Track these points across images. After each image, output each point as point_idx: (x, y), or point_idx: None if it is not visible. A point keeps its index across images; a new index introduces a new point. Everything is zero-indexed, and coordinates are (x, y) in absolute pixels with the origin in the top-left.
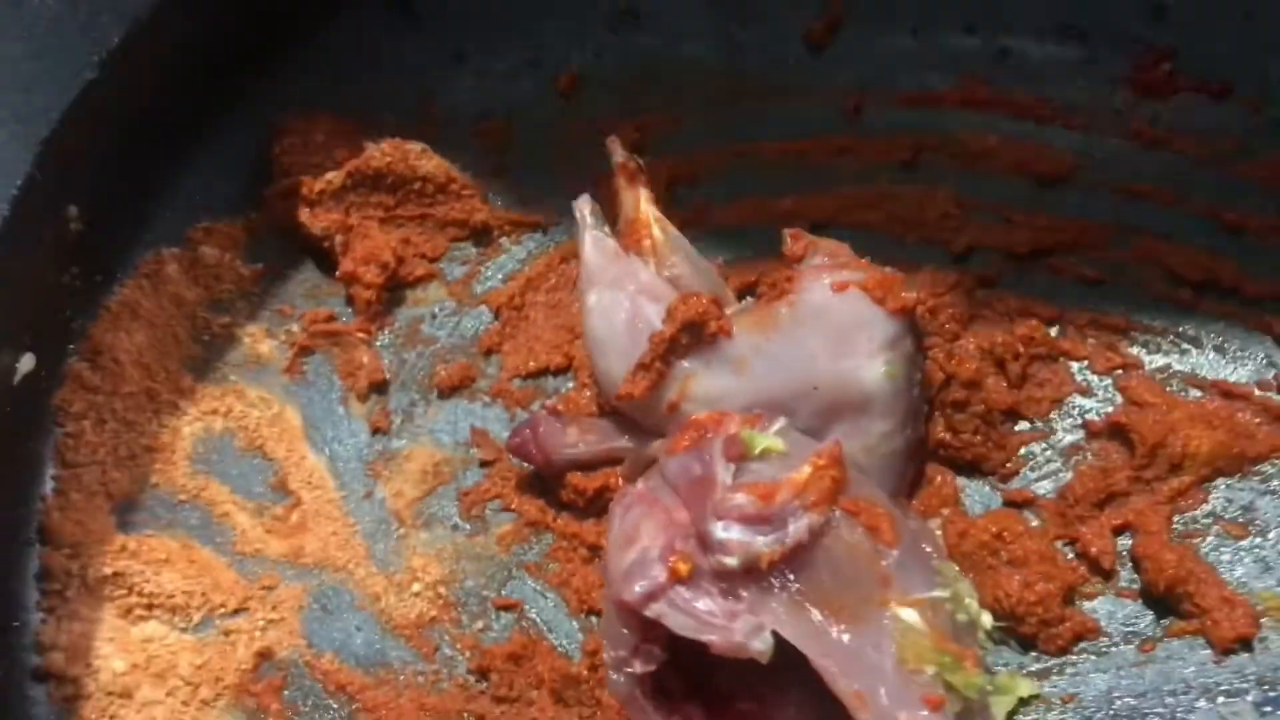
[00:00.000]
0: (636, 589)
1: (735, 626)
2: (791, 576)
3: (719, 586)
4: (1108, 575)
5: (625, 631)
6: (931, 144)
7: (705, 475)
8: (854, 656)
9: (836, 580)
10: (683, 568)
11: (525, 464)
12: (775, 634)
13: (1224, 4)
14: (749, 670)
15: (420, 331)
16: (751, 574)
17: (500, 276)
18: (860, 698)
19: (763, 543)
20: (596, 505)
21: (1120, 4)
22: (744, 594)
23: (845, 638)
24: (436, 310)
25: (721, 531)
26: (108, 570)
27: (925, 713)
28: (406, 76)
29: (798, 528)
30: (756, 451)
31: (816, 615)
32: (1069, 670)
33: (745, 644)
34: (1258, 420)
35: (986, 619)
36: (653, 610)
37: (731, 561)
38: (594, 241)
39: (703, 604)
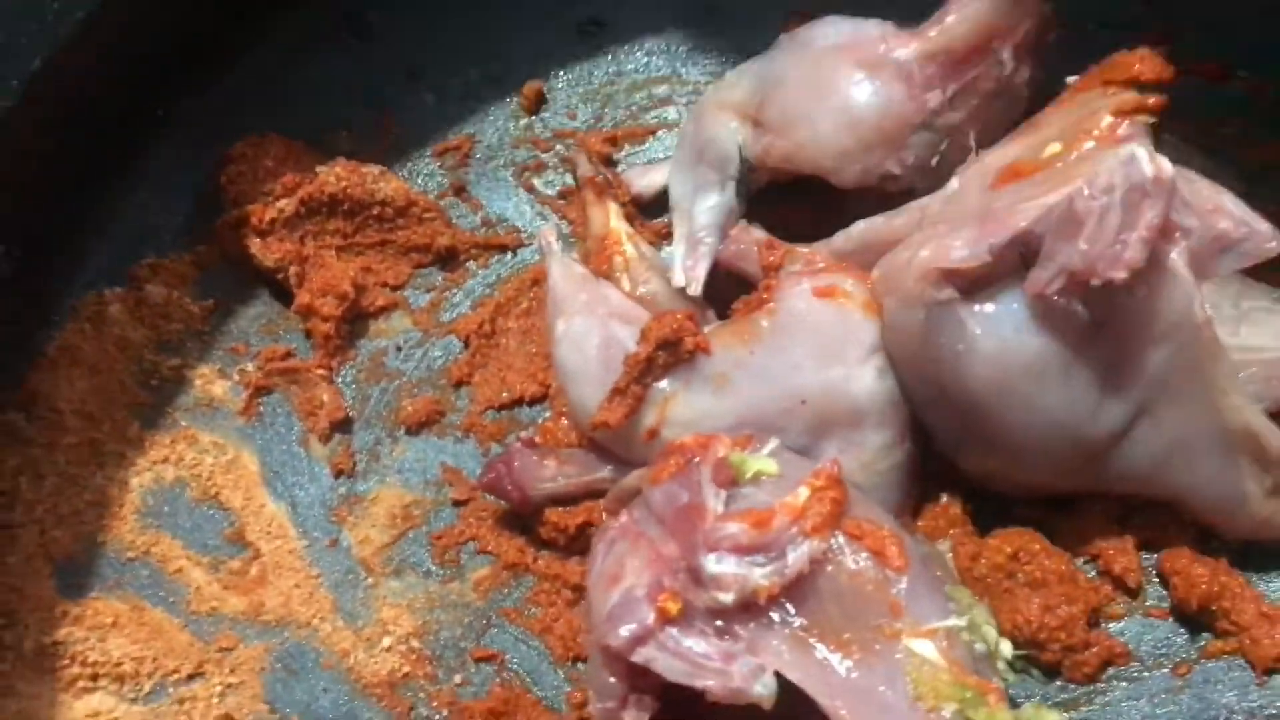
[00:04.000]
0: (622, 632)
1: (733, 669)
2: (793, 610)
3: (713, 625)
4: (1134, 594)
5: (613, 680)
6: None
7: (693, 504)
8: (865, 696)
9: (842, 612)
10: (672, 607)
11: (501, 502)
12: (778, 675)
13: None
14: (751, 717)
15: (384, 365)
16: (749, 610)
17: (468, 303)
18: None
19: (760, 574)
20: (579, 543)
21: None
22: (741, 632)
23: (855, 675)
24: (401, 341)
25: (714, 565)
26: (48, 639)
27: None
28: (359, 96)
29: (797, 556)
30: (748, 475)
31: (822, 652)
32: (1099, 699)
33: (744, 688)
34: None
35: (1006, 647)
36: (640, 655)
37: (726, 597)
38: (561, 268)
39: (696, 646)
